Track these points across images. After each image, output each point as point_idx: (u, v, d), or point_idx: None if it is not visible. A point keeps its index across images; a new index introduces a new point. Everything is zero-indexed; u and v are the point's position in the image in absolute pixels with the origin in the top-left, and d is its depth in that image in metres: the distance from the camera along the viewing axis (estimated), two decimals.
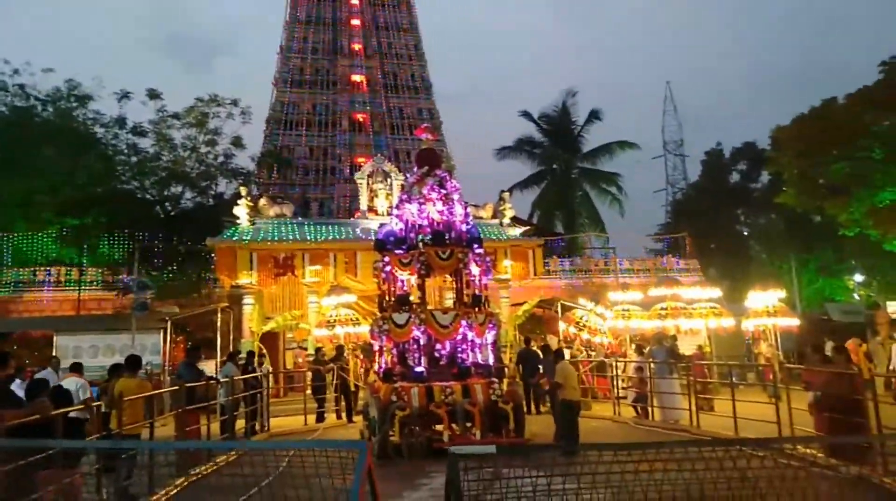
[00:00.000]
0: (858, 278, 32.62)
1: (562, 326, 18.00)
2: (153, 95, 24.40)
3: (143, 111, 24.58)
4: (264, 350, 17.76)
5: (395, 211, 11.82)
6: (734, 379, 12.35)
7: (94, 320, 19.40)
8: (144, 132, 24.11)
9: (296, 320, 19.79)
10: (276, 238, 21.49)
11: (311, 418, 14.39)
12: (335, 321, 17.12)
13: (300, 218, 23.06)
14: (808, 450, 8.42)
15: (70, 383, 8.92)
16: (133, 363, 8.65)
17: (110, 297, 20.85)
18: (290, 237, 21.69)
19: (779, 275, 31.37)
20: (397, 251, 11.06)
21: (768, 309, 15.81)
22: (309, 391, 15.12)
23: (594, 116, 38.78)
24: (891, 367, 14.38)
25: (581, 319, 17.60)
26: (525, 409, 11.41)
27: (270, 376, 14.95)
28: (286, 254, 21.17)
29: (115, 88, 23.95)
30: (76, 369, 9.82)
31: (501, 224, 23.24)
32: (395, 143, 30.54)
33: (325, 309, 18.67)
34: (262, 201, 22.71)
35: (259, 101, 28.16)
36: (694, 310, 15.80)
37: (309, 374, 15.62)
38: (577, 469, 2.59)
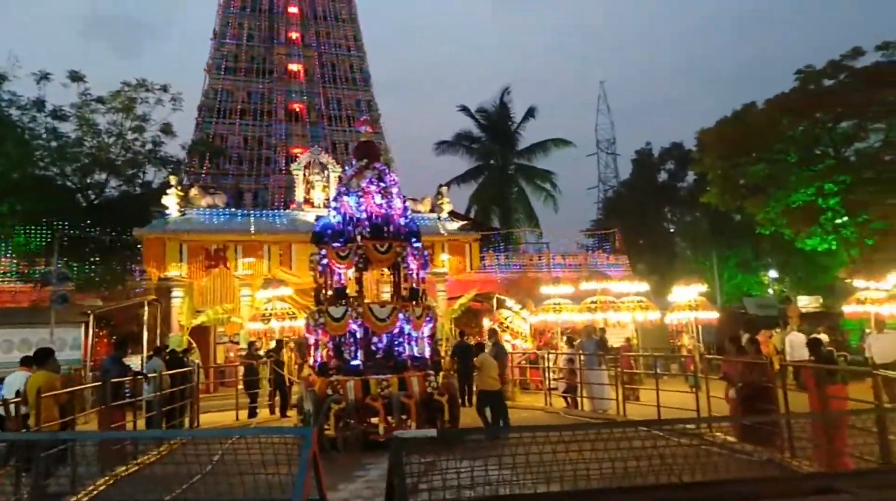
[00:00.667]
0: (773, 274, 34.63)
1: (486, 323, 18.34)
2: (75, 77, 23.16)
3: (65, 94, 23.31)
4: (194, 344, 17.29)
5: (332, 204, 11.75)
6: (658, 370, 12.96)
7: (8, 313, 18.32)
8: (65, 116, 22.83)
9: (227, 313, 19.34)
10: (207, 229, 20.89)
11: (244, 413, 14.15)
12: (270, 314, 16.85)
13: (233, 209, 22.49)
14: (723, 435, 8.98)
15: None
16: (42, 356, 8.25)
17: (27, 289, 19.76)
18: (223, 228, 21.13)
19: (702, 270, 32.93)
20: (335, 244, 11.00)
21: (690, 303, 16.61)
22: (241, 386, 14.85)
23: (530, 113, 39.50)
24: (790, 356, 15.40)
25: (506, 319, 18.01)
26: (460, 401, 11.59)
27: (200, 371, 14.58)
28: (218, 246, 20.62)
29: (32, 69, 22.60)
30: None
31: (439, 218, 23.40)
32: (333, 134, 30.18)
33: (259, 302, 18.34)
34: (194, 191, 22.01)
35: (190, 87, 27.19)
36: (622, 304, 16.43)
37: (241, 368, 15.33)
38: (510, 452, 2.73)
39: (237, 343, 19.78)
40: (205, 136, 28.40)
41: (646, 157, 42.21)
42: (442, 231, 23.00)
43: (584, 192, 62.19)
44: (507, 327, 17.84)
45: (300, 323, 16.89)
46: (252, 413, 14.32)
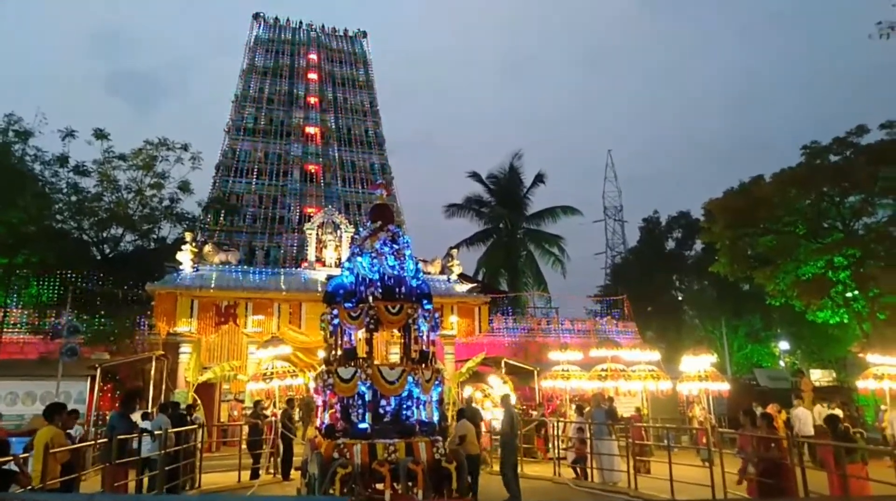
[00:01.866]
0: (784, 345, 34.24)
1: (468, 390, 18.14)
2: (100, 135, 23.87)
3: (87, 150, 23.99)
4: (198, 401, 17.11)
5: (346, 264, 11.87)
6: (670, 442, 12.69)
7: (15, 365, 18.30)
8: (87, 172, 23.42)
9: (234, 370, 19.21)
10: (219, 285, 21.04)
11: (246, 474, 13.87)
12: (272, 373, 16.74)
13: (245, 266, 22.70)
14: None
15: None
16: (51, 410, 8.21)
17: (35, 341, 19.76)
18: (234, 285, 21.26)
19: (710, 340, 32.64)
20: (347, 305, 11.05)
21: (700, 374, 16.41)
22: (244, 446, 14.60)
23: (539, 178, 40.18)
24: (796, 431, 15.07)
25: (486, 389, 17.89)
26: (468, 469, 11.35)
27: (204, 429, 14.40)
28: (229, 302, 20.68)
29: (56, 125, 23.35)
30: None
31: (449, 280, 23.49)
32: (346, 195, 30.71)
33: (261, 361, 18.26)
34: (207, 248, 22.27)
35: (206, 144, 27.83)
36: (633, 372, 16.24)
37: (245, 428, 15.11)
38: None
39: (241, 401, 19.55)
40: (221, 194, 28.97)
41: (653, 224, 42.57)
42: (451, 293, 23.06)
43: (592, 257, 62.30)
44: (488, 395, 17.69)
45: (300, 382, 16.77)
46: (255, 475, 14.03)
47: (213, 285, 20.48)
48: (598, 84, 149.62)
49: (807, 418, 15.57)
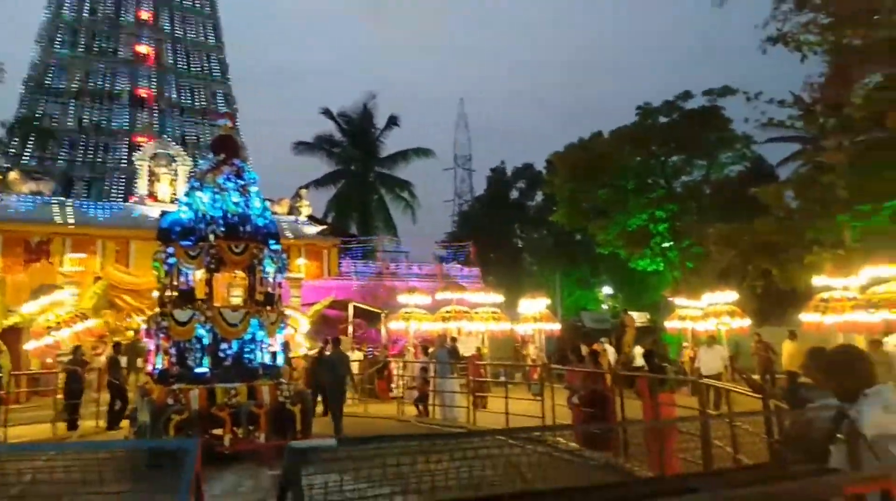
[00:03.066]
0: (607, 290, 37.70)
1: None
2: None
3: None
4: (3, 348, 15.21)
5: (183, 198, 10.94)
6: (505, 379, 13.51)
7: None
8: None
9: (46, 313, 17.25)
10: (28, 218, 18.53)
11: (63, 426, 12.65)
12: (58, 323, 15.23)
13: (62, 198, 20.17)
14: (566, 441, 9.53)
15: None
16: None
17: None
18: (47, 219, 18.85)
19: (546, 285, 35.01)
20: (184, 243, 10.23)
21: (536, 315, 17.54)
22: (60, 396, 13.26)
23: (393, 121, 39.75)
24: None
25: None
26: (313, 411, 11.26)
27: (10, 377, 12.85)
28: (41, 238, 18.35)
29: None
30: None
31: (297, 221, 22.73)
32: (184, 125, 28.22)
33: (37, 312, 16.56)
34: (13, 175, 19.45)
35: (10, 52, 23.97)
36: (476, 314, 16.94)
37: (62, 376, 13.71)
38: (368, 465, 2.66)
39: (57, 347, 17.69)
40: (31, 114, 25.25)
41: (500, 175, 44.20)
42: (300, 235, 22.34)
43: (441, 204, 63.60)
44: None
45: (92, 323, 15.64)
46: (72, 425, 12.85)
47: (20, 218, 17.99)
48: (455, 37, 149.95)
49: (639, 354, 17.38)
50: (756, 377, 10.71)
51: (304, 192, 23.79)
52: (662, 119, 25.32)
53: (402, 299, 18.96)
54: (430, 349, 15.26)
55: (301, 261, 20.82)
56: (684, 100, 24.89)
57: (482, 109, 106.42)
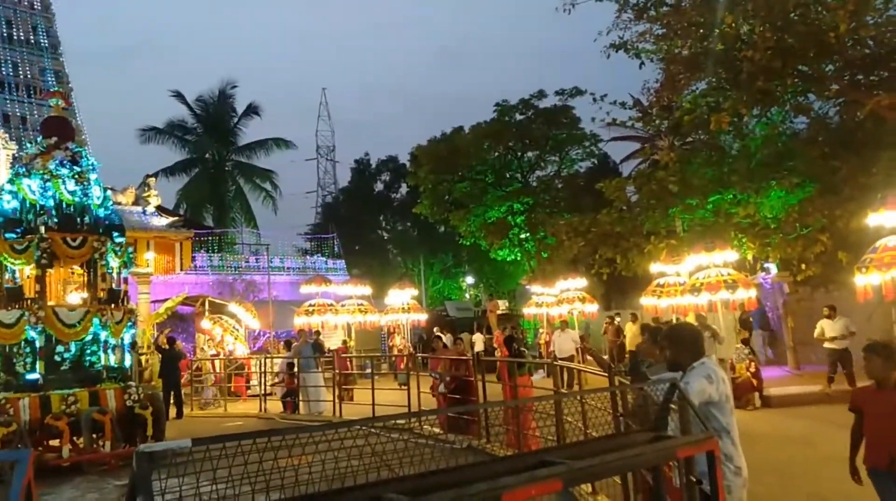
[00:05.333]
0: (470, 279, 38.92)
1: (206, 324, 17.22)
2: None
3: None
4: None
5: (7, 187, 9.77)
6: (372, 370, 13.54)
7: None
8: None
9: None
10: None
11: None
12: None
13: None
14: (430, 427, 9.75)
15: None
16: None
17: None
18: None
19: (411, 275, 35.43)
20: (8, 235, 9.15)
21: (404, 306, 17.72)
22: None
23: (253, 110, 38.04)
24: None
25: (227, 322, 17.26)
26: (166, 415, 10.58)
27: None
28: None
29: None
30: None
31: (145, 212, 21.05)
32: (5, 104, 25.04)
33: None
34: None
35: None
36: (342, 307, 16.78)
37: None
38: (226, 465, 2.57)
39: None
40: None
41: (364, 166, 43.94)
42: (147, 226, 20.71)
43: (303, 196, 61.94)
44: (228, 328, 17.02)
45: None
46: None
47: None
48: (318, 26, 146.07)
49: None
50: (605, 356, 11.63)
51: (152, 181, 22.06)
52: (519, 116, 26.50)
53: (264, 294, 18.33)
54: (294, 344, 14.90)
55: (150, 255, 19.32)
56: (539, 99, 26.24)
57: (345, 100, 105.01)
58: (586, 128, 26.18)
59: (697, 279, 11.55)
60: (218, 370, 16.38)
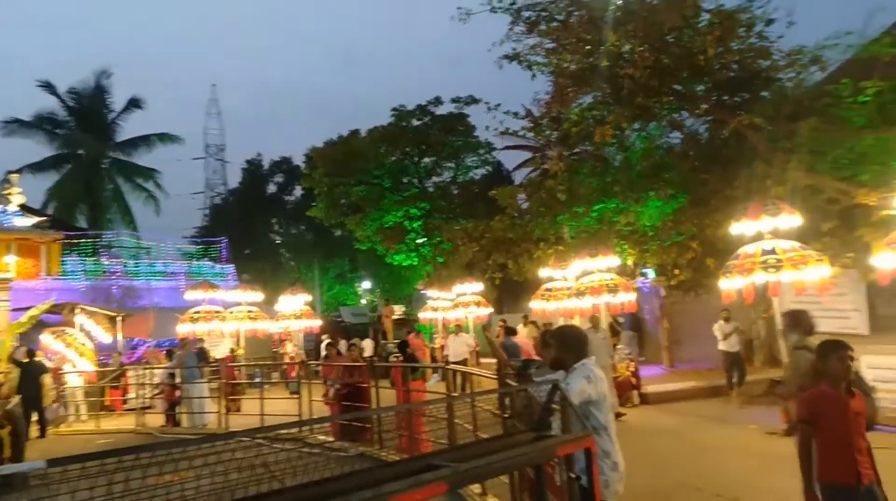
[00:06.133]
0: (366, 285, 38.59)
1: (46, 339, 15.87)
2: None
3: None
4: None
5: None
6: (261, 379, 13.10)
7: None
8: None
9: None
10: None
11: None
12: None
13: None
14: (323, 436, 9.55)
15: None
16: None
17: None
18: None
19: (305, 281, 34.63)
20: None
21: (296, 313, 17.26)
22: None
23: (134, 103, 35.60)
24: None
25: (70, 336, 16.00)
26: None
27: None
28: None
29: None
30: None
31: (6, 212, 19.15)
32: None
33: None
34: None
35: None
36: (230, 314, 16.09)
37: None
38: (89, 485, 2.38)
39: None
40: None
41: (256, 167, 42.47)
42: (9, 227, 18.83)
43: (189, 196, 58.84)
44: (72, 343, 15.72)
45: None
46: None
47: None
48: (209, 17, 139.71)
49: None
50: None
51: (14, 177, 20.08)
52: (416, 122, 26.66)
53: (144, 301, 17.20)
54: (177, 353, 14.10)
55: (10, 258, 17.59)
56: (435, 105, 26.54)
57: (237, 96, 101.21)
58: (481, 136, 26.79)
59: (582, 284, 12.12)
60: (73, 383, 15.04)
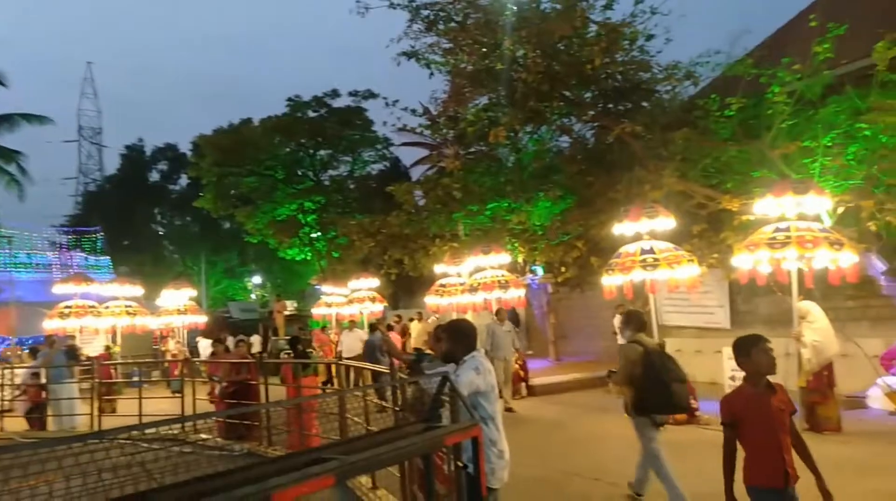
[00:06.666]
0: (256, 279, 37.33)
1: None
2: None
3: None
4: None
5: None
6: (141, 378, 12.36)
7: None
8: None
9: None
10: None
11: None
12: None
13: None
14: (207, 435, 9.18)
15: None
16: None
17: None
18: None
19: (190, 275, 32.96)
20: None
21: (180, 308, 16.40)
22: None
23: None
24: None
25: None
26: None
27: None
28: None
29: None
30: None
31: None
32: None
33: None
34: None
35: None
36: (105, 309, 15.02)
37: None
38: None
39: None
40: None
41: (137, 153, 39.92)
42: None
43: (61, 182, 54.19)
44: None
45: None
46: None
47: None
48: None
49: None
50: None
51: None
52: (312, 113, 26.11)
53: (5, 295, 15.69)
54: (41, 351, 12.97)
55: None
56: (332, 98, 26.14)
57: (117, 77, 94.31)
58: (379, 131, 26.69)
59: (476, 280, 12.42)
60: None
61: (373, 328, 13.09)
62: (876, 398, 9.37)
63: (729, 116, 10.79)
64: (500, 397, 11.13)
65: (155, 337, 19.54)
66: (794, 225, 8.00)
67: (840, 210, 9.57)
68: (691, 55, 12.61)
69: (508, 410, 10.52)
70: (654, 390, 5.21)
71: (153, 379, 17.13)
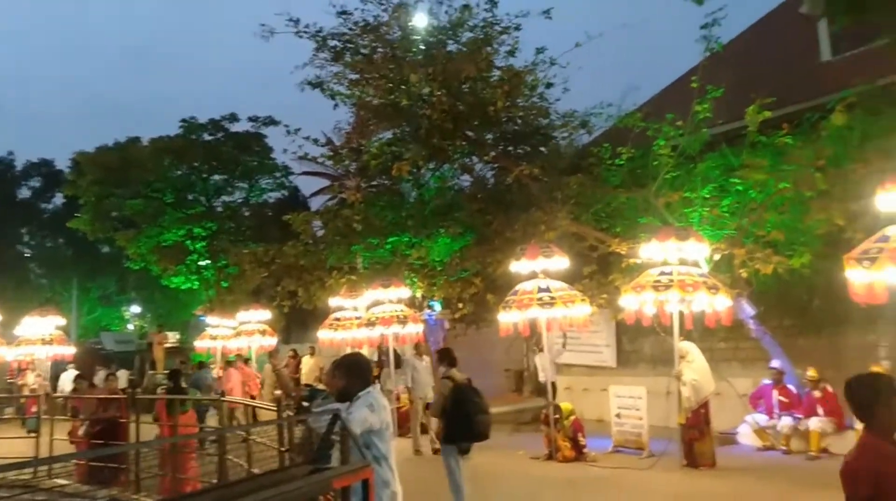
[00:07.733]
0: (135, 309, 34.84)
1: None
2: None
3: None
4: None
5: None
6: None
7: None
8: None
9: None
10: None
11: None
12: None
13: None
14: (65, 480, 8.24)
15: None
16: None
17: None
18: None
19: (60, 302, 30.22)
20: None
21: (45, 337, 14.88)
22: None
23: None
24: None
25: None
26: None
27: None
28: None
29: None
30: None
31: None
32: None
33: None
34: None
35: None
36: None
37: None
38: None
39: None
40: None
41: (5, 167, 36.60)
42: None
43: None
44: None
45: None
46: None
47: None
48: None
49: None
50: (278, 392, 11.34)
51: None
52: (207, 137, 25.07)
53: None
54: None
55: None
56: (231, 122, 25.25)
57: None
58: (278, 159, 26.00)
59: (373, 314, 12.19)
60: None
61: (203, 365, 12.55)
62: (745, 435, 10.02)
63: (619, 165, 11.43)
64: (426, 433, 10.97)
65: (11, 370, 17.60)
66: (677, 269, 8.49)
67: (716, 257, 10.29)
68: (587, 105, 13.34)
69: (418, 452, 10.43)
70: (460, 421, 5.94)
71: (5, 417, 15.38)
